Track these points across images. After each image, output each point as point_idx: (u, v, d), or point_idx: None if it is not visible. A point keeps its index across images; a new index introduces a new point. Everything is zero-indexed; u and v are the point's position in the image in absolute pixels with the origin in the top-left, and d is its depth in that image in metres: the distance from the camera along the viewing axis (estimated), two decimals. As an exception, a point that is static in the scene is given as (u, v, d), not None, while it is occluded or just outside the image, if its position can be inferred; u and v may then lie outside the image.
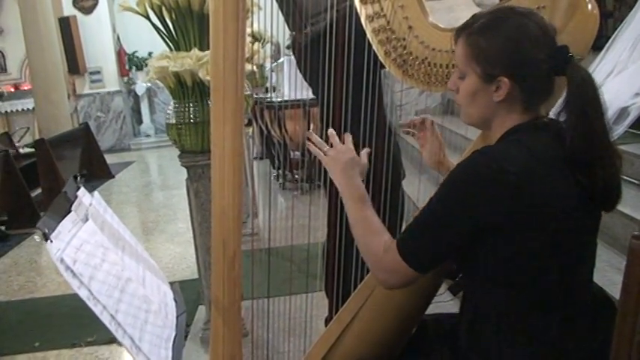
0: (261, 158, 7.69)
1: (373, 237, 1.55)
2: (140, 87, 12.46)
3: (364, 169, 1.71)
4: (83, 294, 1.16)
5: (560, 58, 1.41)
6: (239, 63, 1.79)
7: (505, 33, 1.41)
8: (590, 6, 1.52)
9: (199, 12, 2.72)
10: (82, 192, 1.48)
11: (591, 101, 1.40)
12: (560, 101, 1.47)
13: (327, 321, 2.66)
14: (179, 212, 6.44)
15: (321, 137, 1.76)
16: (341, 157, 1.68)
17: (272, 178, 6.98)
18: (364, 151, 1.75)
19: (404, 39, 1.69)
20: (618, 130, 4.00)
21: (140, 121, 12.79)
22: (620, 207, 3.11)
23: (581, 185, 1.39)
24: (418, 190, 2.60)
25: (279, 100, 6.30)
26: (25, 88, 11.38)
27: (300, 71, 2.49)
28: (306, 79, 2.52)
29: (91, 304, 1.16)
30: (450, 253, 1.46)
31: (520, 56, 1.40)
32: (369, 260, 1.58)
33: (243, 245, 1.84)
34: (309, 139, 1.74)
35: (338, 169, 1.67)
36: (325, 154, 1.71)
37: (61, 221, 1.26)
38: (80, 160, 8.63)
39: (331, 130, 1.72)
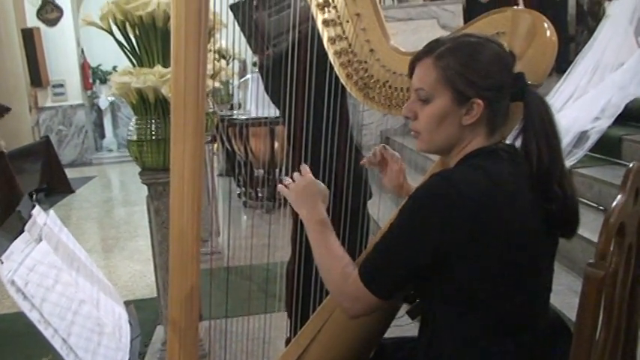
0: (224, 175, 7.66)
1: (335, 265, 1.55)
2: (103, 101, 12.38)
3: (325, 195, 1.71)
4: (34, 317, 1.14)
5: (520, 84, 1.43)
6: (200, 81, 1.78)
7: (478, 55, 1.42)
8: (548, 33, 1.54)
9: (163, 28, 2.70)
10: (37, 211, 1.45)
11: (550, 123, 1.43)
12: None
13: (288, 342, 2.65)
14: (140, 229, 6.35)
15: (289, 157, 1.76)
16: (300, 187, 1.69)
17: (234, 195, 6.95)
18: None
19: (365, 62, 1.69)
20: (578, 154, 4.08)
21: (103, 136, 12.69)
22: (579, 230, 3.16)
23: (542, 209, 1.41)
24: (379, 209, 2.61)
25: (243, 117, 6.29)
26: (-14, 99, 11.18)
27: (266, 92, 2.49)
28: (272, 100, 2.52)
29: (41, 327, 1.14)
30: (412, 278, 1.46)
31: (492, 79, 1.41)
32: (331, 289, 1.58)
33: (203, 264, 1.83)
34: (281, 183, 1.75)
35: (299, 199, 1.68)
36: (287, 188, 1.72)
37: (13, 241, 1.23)
38: (40, 174, 8.49)
39: (303, 165, 1.74)
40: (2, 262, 1.14)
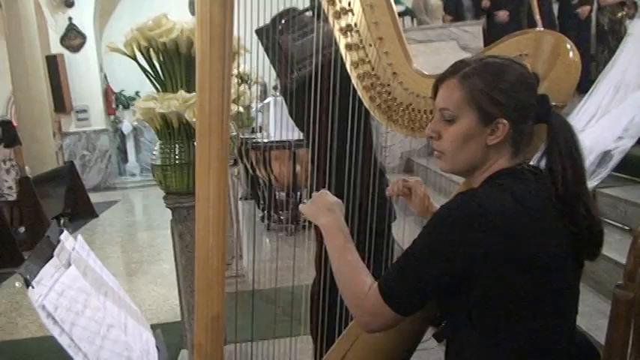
0: (247, 198, 7.68)
1: (354, 277, 1.53)
2: (126, 126, 12.48)
3: (339, 204, 1.70)
4: (64, 341, 1.15)
5: (544, 105, 1.44)
6: (225, 106, 1.80)
7: (504, 75, 1.43)
8: (571, 54, 1.54)
9: (187, 54, 2.73)
10: (65, 236, 1.47)
11: (574, 144, 1.44)
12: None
13: (312, 366, 2.64)
14: (163, 253, 6.39)
15: (312, 179, 1.77)
16: (317, 200, 1.69)
17: (257, 218, 6.96)
18: None
19: (388, 85, 1.70)
20: (602, 174, 4.05)
21: (126, 160, 12.78)
22: (604, 251, 3.13)
23: (567, 230, 1.40)
24: (403, 232, 2.59)
25: (265, 140, 6.32)
26: (11, 125, 11.33)
27: (290, 115, 2.51)
28: (295, 123, 2.54)
29: (72, 352, 1.15)
30: (432, 295, 1.44)
31: (517, 99, 1.42)
32: (350, 302, 1.55)
33: (227, 287, 1.83)
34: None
35: (314, 210, 1.69)
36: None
37: (43, 267, 1.25)
38: (64, 198, 8.58)
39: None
40: (33, 287, 1.16)
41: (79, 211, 8.84)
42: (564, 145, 1.43)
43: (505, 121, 1.42)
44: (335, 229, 1.63)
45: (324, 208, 1.67)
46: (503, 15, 8.15)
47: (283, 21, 2.52)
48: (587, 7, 8.42)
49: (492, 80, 1.43)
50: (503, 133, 1.43)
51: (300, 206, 1.74)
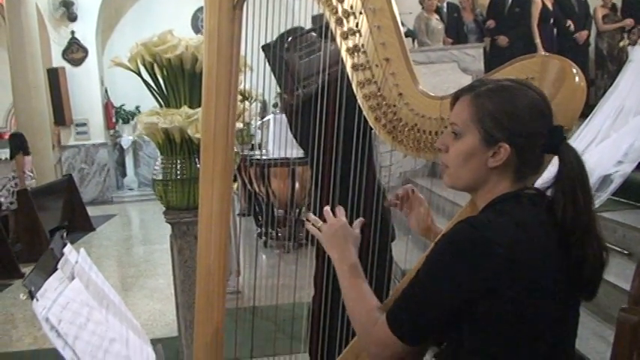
0: (245, 215, 7.68)
1: (364, 310, 1.55)
2: (126, 140, 12.50)
3: (357, 239, 1.71)
4: (67, 355, 1.15)
5: (556, 137, 1.42)
6: (230, 124, 1.80)
7: (514, 101, 1.42)
8: (577, 78, 1.55)
9: (191, 70, 2.74)
10: (69, 249, 1.48)
11: (581, 183, 1.41)
12: (544, 176, 1.48)
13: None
14: (159, 267, 6.38)
15: (313, 197, 1.75)
16: (333, 229, 1.69)
17: (255, 235, 6.95)
18: (357, 222, 1.75)
19: (394, 105, 1.70)
20: (601, 198, 4.06)
21: (124, 174, 12.78)
22: (603, 274, 3.11)
23: (566, 256, 1.39)
24: (405, 252, 2.60)
25: (264, 157, 6.33)
26: (10, 137, 11.34)
27: (292, 132, 2.51)
28: (297, 140, 2.54)
29: (74, 365, 1.14)
30: (440, 325, 1.45)
31: (525, 126, 1.41)
32: (359, 333, 1.57)
33: (226, 303, 1.84)
34: (307, 220, 1.75)
35: (331, 241, 1.69)
36: (320, 230, 1.72)
37: (47, 279, 1.25)
38: (62, 211, 8.58)
39: (326, 208, 1.74)
40: (37, 300, 1.16)
41: (76, 224, 8.84)
42: (571, 182, 1.40)
43: (507, 146, 1.41)
44: (347, 264, 1.64)
45: (339, 241, 1.68)
46: (502, 40, 8.22)
47: (290, 38, 2.53)
48: (584, 32, 8.47)
49: (502, 103, 1.42)
50: (504, 157, 1.42)
51: (311, 227, 1.74)
